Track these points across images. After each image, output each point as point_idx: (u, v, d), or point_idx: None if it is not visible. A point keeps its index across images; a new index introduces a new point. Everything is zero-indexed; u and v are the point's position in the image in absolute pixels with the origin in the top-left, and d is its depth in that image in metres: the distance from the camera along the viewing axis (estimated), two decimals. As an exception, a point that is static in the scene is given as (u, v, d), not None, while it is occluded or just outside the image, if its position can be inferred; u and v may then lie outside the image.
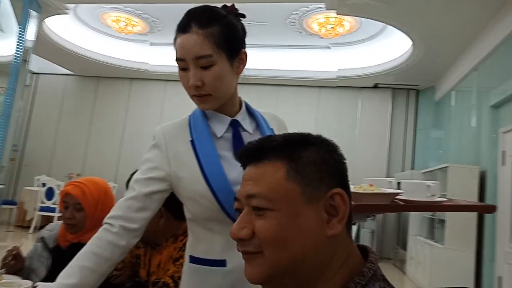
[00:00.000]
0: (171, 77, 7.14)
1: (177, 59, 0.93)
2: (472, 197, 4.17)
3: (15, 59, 4.41)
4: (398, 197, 1.10)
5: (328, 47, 6.24)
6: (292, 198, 0.58)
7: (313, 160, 0.60)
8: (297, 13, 5.23)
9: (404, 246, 5.68)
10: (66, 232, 1.45)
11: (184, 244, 1.10)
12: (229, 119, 1.00)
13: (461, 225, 4.15)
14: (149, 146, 1.00)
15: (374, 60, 6.07)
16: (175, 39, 0.93)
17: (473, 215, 4.14)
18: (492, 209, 0.99)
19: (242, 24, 0.98)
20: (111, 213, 0.93)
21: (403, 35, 4.72)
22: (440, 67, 5.51)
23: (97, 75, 7.65)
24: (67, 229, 1.44)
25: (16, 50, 4.43)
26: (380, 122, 6.67)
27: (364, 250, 0.64)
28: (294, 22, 5.48)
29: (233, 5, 0.98)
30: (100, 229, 0.92)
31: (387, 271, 5.19)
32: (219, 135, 0.99)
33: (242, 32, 0.97)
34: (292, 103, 6.74)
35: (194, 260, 0.98)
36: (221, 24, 0.92)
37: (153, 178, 0.95)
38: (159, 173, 0.96)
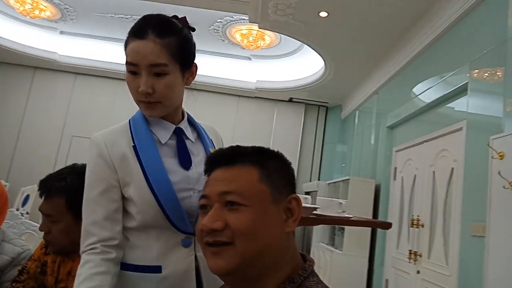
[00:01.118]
0: (81, 70, 6.68)
1: (129, 63, 0.92)
2: (368, 207, 4.62)
3: None
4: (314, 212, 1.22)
5: (249, 58, 6.42)
6: (263, 198, 0.68)
7: (278, 169, 0.74)
8: (221, 21, 5.30)
9: (308, 252, 6.05)
10: None
11: None
12: (173, 126, 1.01)
13: (358, 233, 4.56)
14: (90, 156, 0.96)
15: (290, 76, 6.41)
16: (127, 42, 0.93)
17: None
18: (388, 225, 1.15)
19: (192, 37, 1.02)
20: (87, 241, 0.91)
21: (317, 55, 5.08)
22: (347, 88, 6.04)
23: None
24: None
25: None
26: (293, 135, 7.05)
27: (303, 255, 0.76)
28: (218, 30, 5.54)
29: (185, 18, 1.01)
30: (83, 257, 0.90)
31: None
32: (163, 142, 0.99)
33: (194, 47, 1.02)
34: (211, 108, 6.77)
35: (125, 267, 0.94)
36: (178, 37, 0.94)
37: (106, 191, 0.94)
38: (110, 185, 0.94)
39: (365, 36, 4.31)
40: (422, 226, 3.56)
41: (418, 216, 3.66)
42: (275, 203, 0.69)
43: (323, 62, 5.26)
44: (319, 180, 6.65)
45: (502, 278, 2.08)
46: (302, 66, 6.10)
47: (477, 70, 2.91)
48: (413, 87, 4.05)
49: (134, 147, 0.95)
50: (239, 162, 0.71)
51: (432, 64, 3.73)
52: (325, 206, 1.26)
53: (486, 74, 2.81)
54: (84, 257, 0.90)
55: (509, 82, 2.50)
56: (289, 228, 0.69)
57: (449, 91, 3.31)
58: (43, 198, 1.23)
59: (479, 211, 2.50)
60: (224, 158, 0.73)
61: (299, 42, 5.30)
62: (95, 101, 6.81)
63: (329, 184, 5.78)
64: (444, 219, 3.23)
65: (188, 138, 1.03)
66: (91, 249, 0.90)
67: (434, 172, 3.51)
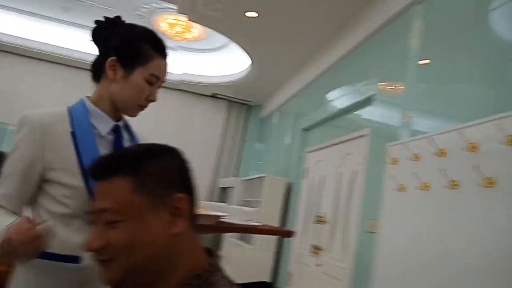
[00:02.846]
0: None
1: (154, 75, 1.07)
2: (279, 204, 4.84)
3: None
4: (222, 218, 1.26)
5: (174, 49, 6.27)
6: (138, 209, 0.66)
7: (156, 172, 0.68)
8: (148, 8, 5.10)
9: (220, 247, 6.11)
10: None
11: None
12: (113, 122, 1.08)
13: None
14: (20, 132, 0.97)
15: (216, 71, 6.41)
16: (154, 57, 1.07)
17: (278, 216, 4.80)
18: (291, 234, 1.23)
19: None
20: None
21: (244, 53, 5.16)
22: (269, 88, 6.23)
23: None
24: None
25: None
26: (214, 130, 7.06)
27: (209, 250, 0.75)
28: (143, 16, 5.32)
29: None
30: None
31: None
32: (103, 134, 1.04)
33: None
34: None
35: (46, 255, 0.91)
36: None
37: (26, 171, 0.95)
38: (33, 163, 0.96)
39: (291, 40, 4.50)
40: (326, 222, 3.83)
41: (323, 213, 3.94)
42: (154, 209, 0.66)
43: (249, 61, 5.36)
44: (236, 177, 6.75)
45: (390, 268, 2.34)
46: (229, 62, 6.14)
47: (383, 83, 3.22)
48: (328, 93, 4.33)
49: (73, 133, 0.98)
50: (113, 174, 0.67)
51: (345, 74, 4.03)
52: (232, 213, 1.31)
53: (390, 87, 3.13)
54: None
55: (407, 96, 2.82)
56: (178, 229, 0.67)
57: (358, 100, 3.61)
58: None
59: (374, 210, 2.77)
60: (99, 170, 0.69)
61: (227, 39, 5.33)
62: (19, 84, 6.07)
63: (245, 180, 5.91)
64: (345, 217, 3.52)
65: (123, 137, 1.10)
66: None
67: (340, 173, 3.80)
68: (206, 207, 1.23)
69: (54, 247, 0.93)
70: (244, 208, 1.32)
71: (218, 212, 1.25)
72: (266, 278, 4.62)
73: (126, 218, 0.65)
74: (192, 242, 0.71)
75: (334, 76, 4.32)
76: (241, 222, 1.28)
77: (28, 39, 5.99)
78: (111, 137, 1.06)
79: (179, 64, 6.40)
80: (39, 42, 6.01)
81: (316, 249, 3.86)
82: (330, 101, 4.24)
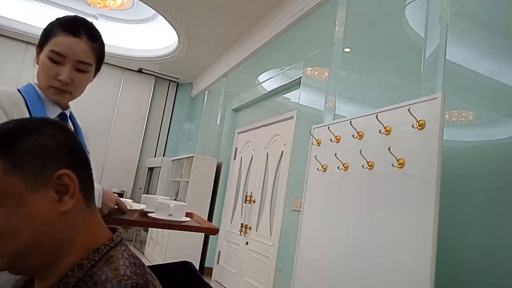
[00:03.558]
0: None
1: (55, 52, 1.02)
2: (209, 183, 4.85)
3: None
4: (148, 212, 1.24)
5: (96, 17, 5.81)
6: (14, 191, 0.60)
7: (31, 150, 0.62)
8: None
9: (146, 229, 5.97)
10: None
11: None
12: (59, 109, 1.10)
13: (195, 209, 4.74)
14: None
15: (142, 45, 6.09)
16: (55, 34, 1.03)
17: (208, 196, 4.82)
18: (215, 231, 1.24)
19: None
20: None
21: (171, 28, 4.96)
22: (199, 67, 6.11)
23: None
24: None
25: None
26: (140, 107, 6.77)
27: (114, 229, 0.74)
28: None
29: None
30: None
31: (127, 252, 5.30)
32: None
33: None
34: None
35: None
36: (100, 43, 1.13)
37: None
38: None
39: (221, 18, 4.42)
40: (254, 202, 3.93)
41: (251, 193, 4.03)
42: (34, 190, 0.62)
43: (176, 37, 5.17)
44: (163, 156, 6.60)
45: (312, 245, 2.49)
46: (155, 37, 5.87)
47: (309, 68, 3.33)
48: (258, 75, 4.37)
49: (30, 115, 0.99)
50: None
51: (275, 56, 4.09)
52: (156, 208, 1.27)
53: (316, 73, 3.25)
54: None
55: (331, 82, 2.96)
56: (65, 207, 0.64)
57: (286, 82, 3.70)
58: None
59: (299, 189, 2.91)
60: None
61: (153, 11, 5.07)
62: None
63: (173, 160, 5.80)
64: (272, 196, 3.64)
65: (68, 125, 1.08)
66: None
67: (267, 154, 3.90)
68: (127, 201, 1.19)
69: None
70: (168, 201, 1.29)
71: (139, 206, 1.22)
72: (197, 258, 4.65)
73: (1, 203, 0.60)
74: (88, 218, 0.68)
75: (264, 58, 4.36)
76: (165, 217, 1.25)
77: None
78: None
79: (103, 36, 5.96)
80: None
81: (245, 228, 3.96)
82: (260, 83, 4.29)
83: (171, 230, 4.71)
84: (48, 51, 1.04)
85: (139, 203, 1.32)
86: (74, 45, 1.04)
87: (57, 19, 1.08)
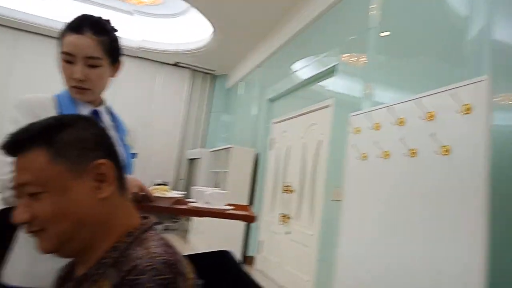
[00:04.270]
0: None
1: (65, 53, 1.07)
2: (247, 174, 4.90)
3: None
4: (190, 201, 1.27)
5: (131, 13, 5.95)
6: (59, 178, 0.66)
7: (70, 141, 0.69)
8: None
9: (189, 219, 6.16)
10: None
11: None
12: (90, 108, 1.15)
13: (236, 199, 4.82)
14: (18, 113, 1.03)
15: (177, 38, 6.18)
16: (64, 35, 1.08)
17: (247, 187, 4.88)
18: (252, 219, 1.25)
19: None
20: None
21: (205, 20, 5.00)
22: (233, 58, 6.13)
23: None
24: None
25: None
26: (178, 100, 6.91)
27: (144, 216, 0.78)
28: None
29: (109, 20, 1.18)
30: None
31: (172, 239, 5.49)
32: None
33: (120, 46, 1.21)
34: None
35: None
36: (109, 36, 1.14)
37: None
38: None
39: (254, 7, 4.39)
40: (293, 192, 3.94)
41: (289, 182, 4.03)
42: (76, 177, 0.68)
43: (211, 29, 5.21)
44: (203, 148, 6.72)
45: (354, 234, 2.47)
46: (190, 29, 5.93)
47: (345, 54, 3.25)
48: (292, 64, 4.33)
49: None
50: (27, 148, 0.67)
51: (309, 44, 4.02)
52: (194, 196, 1.31)
53: (352, 59, 3.16)
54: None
55: (369, 68, 2.87)
56: (104, 193, 0.69)
57: (321, 70, 3.64)
58: None
59: (339, 179, 2.87)
60: (12, 145, 0.69)
61: (185, 5, 5.13)
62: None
63: (212, 152, 5.91)
64: (311, 186, 3.62)
65: (102, 122, 1.14)
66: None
67: (305, 143, 3.88)
68: (161, 188, 1.22)
69: None
70: (206, 189, 1.32)
71: (177, 194, 1.25)
72: (238, 247, 4.74)
73: (48, 189, 0.66)
74: (123, 205, 0.73)
75: (298, 46, 4.30)
76: (203, 205, 1.28)
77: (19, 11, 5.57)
78: None
79: (137, 30, 6.11)
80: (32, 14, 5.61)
81: (285, 218, 3.98)
82: (295, 71, 4.24)
83: (212, 220, 4.82)
84: (61, 53, 1.09)
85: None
86: (79, 42, 1.07)
87: (68, 21, 1.11)
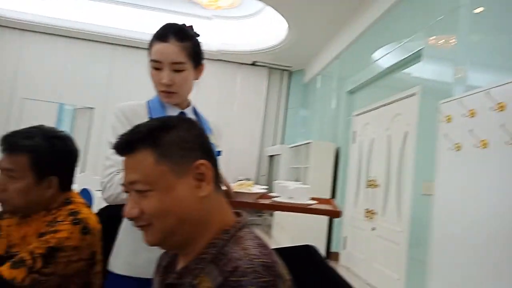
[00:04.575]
0: (28, 26, 6.20)
1: (154, 61, 1.15)
2: (329, 168, 4.82)
3: None
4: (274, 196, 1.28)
5: (210, 18, 6.23)
6: (164, 177, 0.71)
7: (174, 142, 0.73)
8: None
9: (271, 213, 6.26)
10: None
11: (55, 219, 1.14)
12: (178, 110, 1.22)
13: (319, 194, 4.76)
14: (116, 120, 1.16)
15: (254, 38, 6.31)
16: (152, 45, 1.17)
17: (328, 182, 4.80)
18: (338, 214, 1.22)
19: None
20: (110, 170, 1.09)
21: (280, 17, 5.02)
22: (310, 52, 6.06)
23: None
24: None
25: None
26: (257, 99, 7.06)
27: (237, 212, 0.81)
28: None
29: (191, 26, 1.25)
30: (111, 176, 1.08)
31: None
32: None
33: (202, 50, 1.27)
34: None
35: None
36: (192, 41, 1.20)
37: None
38: None
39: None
40: (378, 186, 3.77)
41: (374, 177, 3.87)
42: (179, 176, 0.72)
43: (286, 25, 5.22)
44: (282, 144, 6.78)
45: (447, 230, 2.28)
46: (266, 28, 6.01)
47: (432, 37, 3.01)
48: (373, 53, 4.13)
49: None
50: (135, 149, 0.72)
51: (390, 30, 3.81)
52: (278, 191, 1.32)
53: (440, 41, 2.92)
54: (113, 175, 1.09)
55: (460, 50, 2.62)
56: (204, 192, 0.73)
57: (405, 57, 3.42)
58: (4, 153, 1.19)
59: (428, 171, 2.68)
60: (123, 147, 0.74)
61: (260, 4, 5.20)
62: (46, 62, 6.43)
63: (292, 147, 5.92)
64: (397, 180, 3.43)
65: None
66: (116, 173, 1.08)
67: (389, 135, 3.68)
68: (246, 184, 1.25)
69: None
70: (289, 184, 1.31)
71: (260, 189, 1.27)
72: (322, 242, 4.69)
73: (154, 188, 0.70)
74: (218, 202, 0.77)
75: (377, 33, 4.10)
76: (286, 200, 1.28)
77: (50, 17, 6.18)
78: None
79: (216, 35, 6.37)
80: (60, 19, 6.19)
81: (370, 213, 3.83)
82: (375, 60, 4.05)
83: (295, 214, 4.83)
84: (150, 62, 1.17)
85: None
86: (165, 50, 1.14)
87: (155, 31, 1.20)
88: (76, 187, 1.89)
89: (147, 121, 0.78)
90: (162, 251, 0.90)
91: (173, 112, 1.21)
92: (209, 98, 6.70)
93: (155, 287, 0.86)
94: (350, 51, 4.87)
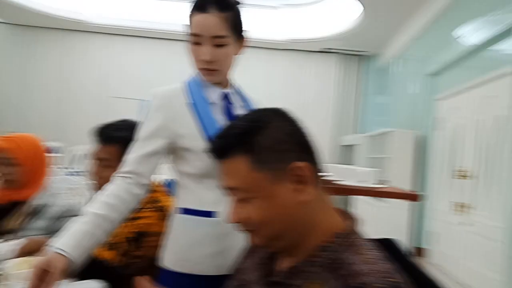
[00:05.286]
0: (114, 30, 6.67)
1: (193, 34, 1.05)
2: (408, 159, 4.53)
3: None
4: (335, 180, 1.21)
5: (276, 8, 6.13)
6: (262, 185, 0.68)
7: (268, 146, 0.68)
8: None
9: (351, 205, 6.08)
10: (4, 189, 1.47)
11: (140, 206, 1.18)
12: (219, 90, 1.13)
13: (401, 185, 4.51)
14: (151, 106, 1.09)
15: (323, 25, 6.10)
16: (191, 16, 1.05)
17: (409, 178, 4.51)
18: (415, 197, 1.12)
19: None
20: (123, 169, 1.04)
21: (351, 0, 4.77)
22: (384, 35, 5.69)
23: (24, 24, 6.77)
24: (6, 185, 1.46)
25: None
26: (328, 87, 6.85)
27: (344, 212, 0.76)
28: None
29: None
30: (115, 180, 1.02)
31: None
32: (210, 101, 1.11)
33: (243, 20, 1.13)
34: (241, 64, 6.66)
35: (186, 211, 1.09)
36: (234, 11, 1.07)
37: (155, 136, 1.06)
38: (161, 131, 1.06)
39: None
40: (468, 177, 3.44)
41: (464, 167, 3.54)
42: (276, 183, 0.68)
43: (360, 7, 4.94)
44: (356, 133, 6.52)
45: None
46: (336, 13, 5.77)
47: (529, 7, 2.64)
48: (456, 30, 3.75)
49: (194, 104, 1.08)
50: (230, 154, 0.70)
51: (477, 3, 3.41)
52: (344, 175, 1.25)
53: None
54: (116, 179, 1.03)
55: None
56: (305, 196, 0.68)
57: (496, 32, 3.04)
58: (100, 144, 1.35)
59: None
60: (216, 152, 0.72)
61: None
62: (130, 62, 6.90)
63: (368, 136, 5.67)
64: (491, 170, 3.10)
65: (232, 103, 1.14)
66: (123, 176, 1.03)
67: (480, 120, 3.33)
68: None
69: (191, 204, 1.08)
70: (356, 168, 1.25)
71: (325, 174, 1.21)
72: (402, 236, 4.45)
73: (255, 195, 0.68)
74: (324, 205, 0.72)
75: (462, 8, 3.70)
76: (356, 184, 1.21)
77: (152, 22, 6.56)
78: (221, 103, 1.12)
79: (282, 23, 6.26)
80: (143, 21, 6.52)
81: (461, 207, 3.52)
82: (460, 38, 3.67)
83: (372, 206, 4.64)
84: (190, 36, 1.06)
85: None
86: (205, 21, 1.02)
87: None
88: (163, 178, 2.00)
89: (238, 121, 0.73)
90: (215, 248, 0.93)
91: (214, 92, 1.12)
92: (279, 89, 6.67)
93: (248, 275, 0.81)
94: (430, 30, 4.48)
